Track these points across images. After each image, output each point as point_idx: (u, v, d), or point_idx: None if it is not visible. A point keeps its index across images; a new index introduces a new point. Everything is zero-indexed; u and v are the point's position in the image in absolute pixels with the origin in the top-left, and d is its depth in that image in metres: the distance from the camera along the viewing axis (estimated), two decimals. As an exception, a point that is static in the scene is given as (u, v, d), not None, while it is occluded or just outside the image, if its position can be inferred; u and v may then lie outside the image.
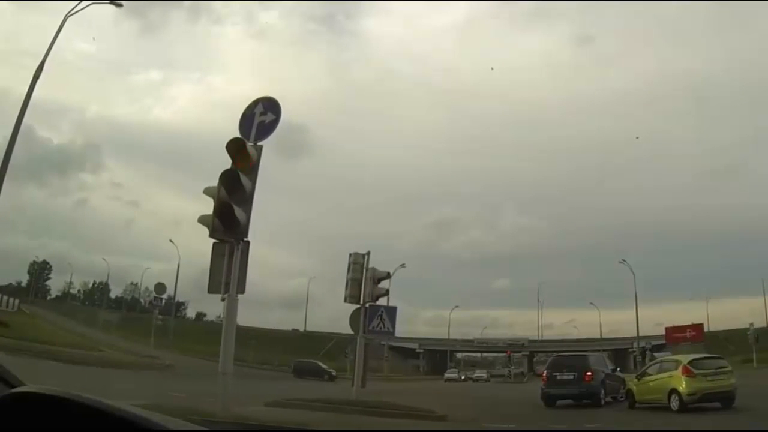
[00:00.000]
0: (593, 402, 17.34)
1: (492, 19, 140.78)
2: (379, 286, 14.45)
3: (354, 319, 14.61)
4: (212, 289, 8.00)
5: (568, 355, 21.26)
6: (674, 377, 15.49)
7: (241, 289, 7.77)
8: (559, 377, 18.20)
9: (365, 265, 14.33)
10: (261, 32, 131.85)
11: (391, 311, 14.97)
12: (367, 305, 14.53)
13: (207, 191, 8.08)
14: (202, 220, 8.02)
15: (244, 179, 7.64)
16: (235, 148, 7.80)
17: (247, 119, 8.52)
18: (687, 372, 15.19)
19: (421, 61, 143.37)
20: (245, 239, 7.85)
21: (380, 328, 14.58)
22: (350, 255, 14.44)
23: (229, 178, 7.59)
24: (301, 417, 11.10)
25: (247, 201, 7.72)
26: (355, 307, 14.50)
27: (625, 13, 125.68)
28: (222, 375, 7.46)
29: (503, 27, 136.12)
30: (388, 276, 14.59)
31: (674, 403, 15.11)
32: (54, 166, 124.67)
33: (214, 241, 8.20)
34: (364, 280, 14.26)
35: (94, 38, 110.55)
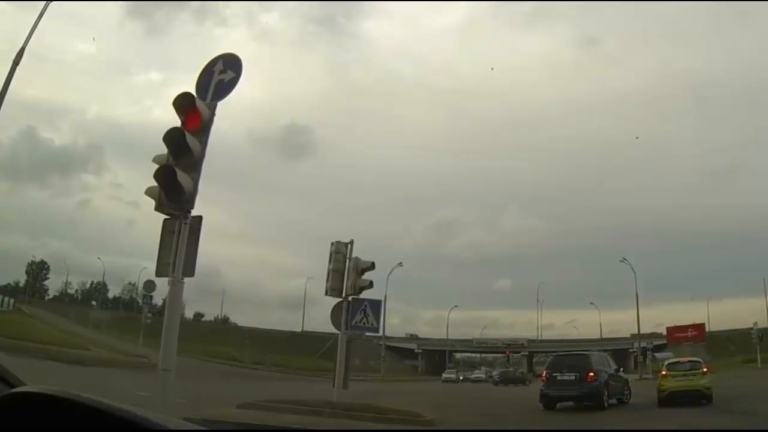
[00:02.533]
0: (595, 404, 16.47)
1: (492, 19, 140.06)
2: (364, 277, 13.29)
3: (335, 313, 13.41)
4: (160, 271, 6.85)
5: (569, 355, 20.21)
6: (659, 377, 18.52)
7: (189, 271, 6.58)
8: (559, 378, 17.28)
9: (348, 255, 13.17)
10: (261, 34, 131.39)
11: (376, 305, 13.64)
12: (350, 299, 13.30)
13: (156, 159, 6.97)
14: (150, 192, 6.89)
15: (191, 140, 6.44)
16: (182, 104, 6.62)
17: (204, 77, 7.40)
18: (663, 373, 17.95)
19: (421, 61, 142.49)
20: (193, 213, 6.65)
21: (364, 323, 13.33)
22: (332, 244, 13.23)
23: (173, 138, 6.39)
24: (272, 420, 10.02)
25: (194, 166, 6.50)
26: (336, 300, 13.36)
27: (625, 13, 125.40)
28: (162, 372, 6.31)
29: (503, 28, 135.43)
30: (372, 267, 13.33)
31: (657, 399, 17.72)
32: (55, 166, 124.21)
33: (165, 217, 7.10)
34: (346, 271, 13.09)
35: (94, 38, 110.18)
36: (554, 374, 17.49)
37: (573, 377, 16.91)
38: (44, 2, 17.12)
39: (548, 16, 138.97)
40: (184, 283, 6.64)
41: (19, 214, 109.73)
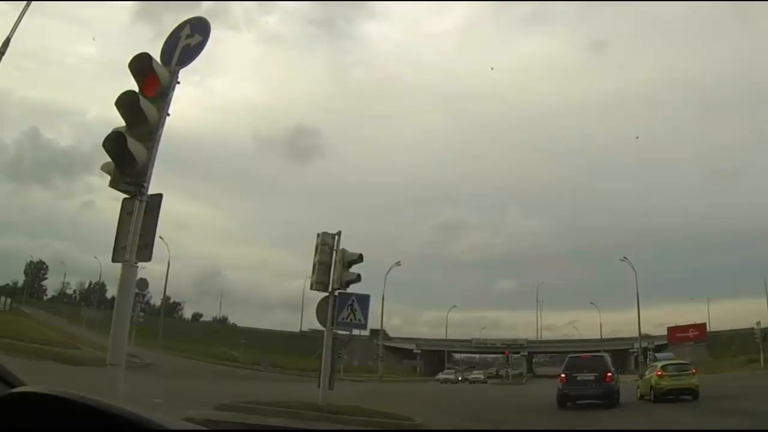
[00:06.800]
0: (610, 403, 17.24)
1: (492, 22, 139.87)
2: (351, 270, 12.49)
3: (321, 309, 12.61)
4: (116, 256, 6.08)
5: (587, 356, 20.74)
6: (653, 376, 20.31)
7: (144, 255, 5.81)
8: (579, 378, 17.97)
9: (335, 247, 12.36)
10: (260, 36, 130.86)
11: (364, 300, 12.82)
12: (336, 293, 12.50)
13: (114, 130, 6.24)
14: (105, 167, 6.13)
15: (147, 107, 5.71)
16: (139, 67, 5.88)
17: (170, 42, 6.69)
18: (659, 373, 19.95)
19: (422, 64, 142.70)
20: (147, 189, 5.86)
21: (351, 319, 12.50)
22: (318, 235, 12.45)
23: (126, 103, 5.66)
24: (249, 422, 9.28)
25: (150, 135, 5.76)
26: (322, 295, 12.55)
27: (625, 15, 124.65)
28: (110, 367, 5.54)
29: (503, 30, 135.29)
30: (360, 259, 12.44)
31: (651, 396, 19.94)
32: (58, 167, 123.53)
33: (124, 196, 6.37)
34: (333, 264, 12.31)
35: (93, 38, 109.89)
36: (574, 374, 18.11)
37: (592, 377, 17.69)
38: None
39: (549, 18, 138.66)
40: (138, 267, 5.91)
41: (21, 215, 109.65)
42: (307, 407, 11.31)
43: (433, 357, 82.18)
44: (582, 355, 21.23)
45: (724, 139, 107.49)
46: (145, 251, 5.92)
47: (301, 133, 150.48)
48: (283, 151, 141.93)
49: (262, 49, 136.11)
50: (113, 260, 6.39)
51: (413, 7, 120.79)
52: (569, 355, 21.39)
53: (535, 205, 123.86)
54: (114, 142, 5.61)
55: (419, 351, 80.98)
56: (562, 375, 18.56)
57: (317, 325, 13.58)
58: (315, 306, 12.94)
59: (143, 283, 48.50)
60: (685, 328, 61.35)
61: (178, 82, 6.54)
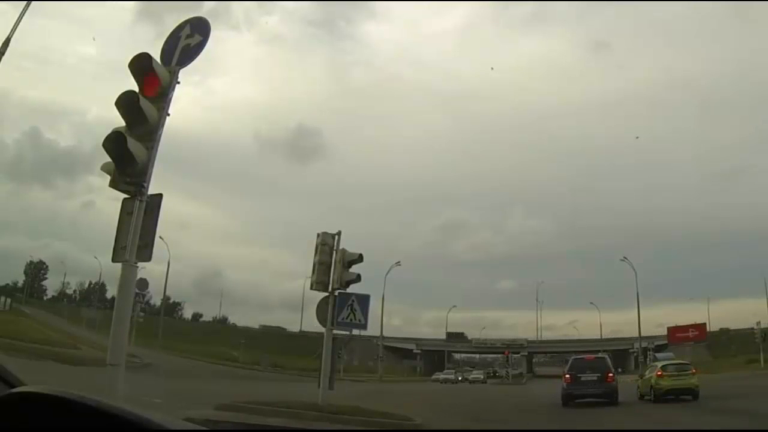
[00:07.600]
0: (611, 401, 18.01)
1: (492, 22, 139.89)
2: (351, 270, 12.50)
3: (321, 309, 12.61)
4: (116, 256, 6.08)
5: (590, 358, 21.39)
6: (653, 376, 20.32)
7: (144, 255, 5.81)
8: (583, 378, 18.77)
9: (335, 247, 12.37)
10: (260, 36, 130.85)
11: (364, 300, 12.79)
12: (336, 293, 12.48)
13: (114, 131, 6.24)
14: (106, 167, 6.14)
15: (147, 106, 5.71)
16: (139, 67, 5.88)
17: (170, 42, 6.70)
18: (659, 373, 19.99)
19: (424, 64, 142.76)
20: (147, 189, 5.86)
21: (350, 319, 12.50)
22: (318, 235, 12.46)
23: (125, 103, 5.66)
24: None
25: (150, 135, 5.76)
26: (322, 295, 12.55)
27: (626, 15, 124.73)
28: (110, 367, 5.54)
29: (504, 30, 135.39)
30: (360, 259, 12.44)
31: (651, 396, 19.93)
32: (58, 168, 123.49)
33: (125, 196, 6.38)
34: (333, 264, 12.31)
35: (93, 38, 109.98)
36: (578, 375, 18.90)
37: (595, 378, 18.60)
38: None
39: (549, 18, 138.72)
40: (138, 267, 5.91)
41: (21, 215, 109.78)
42: (307, 407, 11.33)
43: (433, 357, 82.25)
44: (585, 356, 21.86)
45: (724, 139, 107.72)
46: (145, 251, 5.92)
47: (302, 134, 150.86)
48: (283, 151, 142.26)
49: (262, 50, 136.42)
50: (113, 260, 6.40)
51: (413, 7, 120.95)
52: (573, 357, 22.10)
53: (536, 205, 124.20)
54: (114, 142, 5.61)
55: (419, 351, 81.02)
56: (567, 375, 19.25)
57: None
58: (315, 306, 12.94)
59: (143, 283, 48.48)
60: (685, 328, 61.37)
61: (178, 82, 6.54)
